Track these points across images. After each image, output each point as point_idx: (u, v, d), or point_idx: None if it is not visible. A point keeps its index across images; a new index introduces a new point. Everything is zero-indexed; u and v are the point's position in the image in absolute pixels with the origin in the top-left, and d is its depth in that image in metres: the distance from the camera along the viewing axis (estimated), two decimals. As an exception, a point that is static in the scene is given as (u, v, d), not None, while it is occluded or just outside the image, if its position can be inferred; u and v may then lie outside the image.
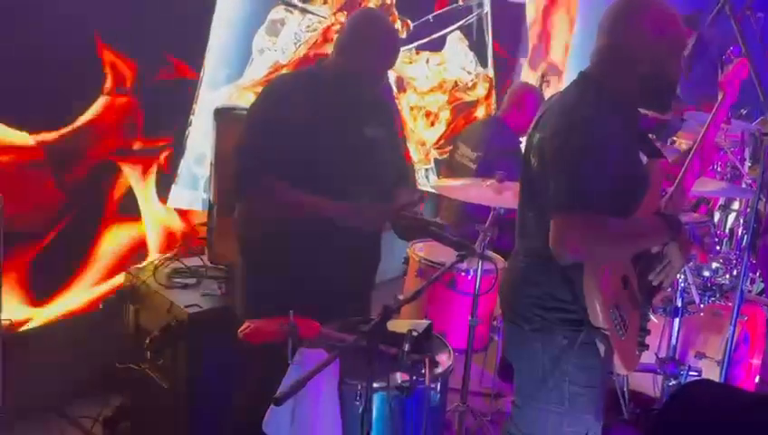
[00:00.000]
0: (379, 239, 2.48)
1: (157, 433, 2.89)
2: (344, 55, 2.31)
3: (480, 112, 4.87)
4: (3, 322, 2.11)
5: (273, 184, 2.23)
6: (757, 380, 3.31)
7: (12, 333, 2.29)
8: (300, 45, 3.59)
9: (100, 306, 2.92)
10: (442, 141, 4.78)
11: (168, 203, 3.27)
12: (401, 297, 1.93)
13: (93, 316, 3.03)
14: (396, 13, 4.06)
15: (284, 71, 2.84)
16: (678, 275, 2.85)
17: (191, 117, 3.27)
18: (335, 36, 2.42)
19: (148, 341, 2.56)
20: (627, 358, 1.90)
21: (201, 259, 2.98)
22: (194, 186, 3.33)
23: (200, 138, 3.31)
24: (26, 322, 2.92)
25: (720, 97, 2.24)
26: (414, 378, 1.92)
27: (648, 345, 2.05)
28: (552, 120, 1.90)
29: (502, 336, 3.22)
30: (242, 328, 1.90)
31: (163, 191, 3.29)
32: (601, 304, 1.80)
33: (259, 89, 3.03)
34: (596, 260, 1.81)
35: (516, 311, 2.07)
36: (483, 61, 4.85)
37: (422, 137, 4.66)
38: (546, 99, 2.14)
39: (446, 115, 4.75)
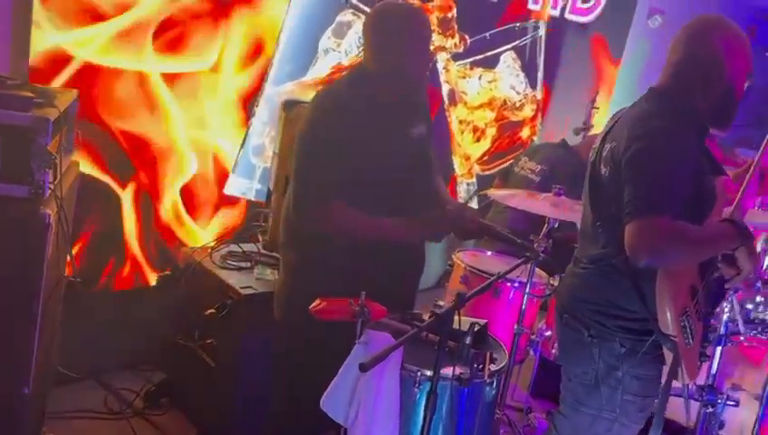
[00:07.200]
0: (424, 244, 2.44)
1: (198, 410, 2.94)
2: (390, 55, 2.15)
3: (525, 133, 4.92)
4: (76, 281, 2.15)
5: (342, 212, 2.12)
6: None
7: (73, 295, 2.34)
8: (362, 49, 3.66)
9: (155, 282, 2.99)
10: (486, 157, 4.84)
11: (225, 190, 3.34)
12: (442, 303, 2.01)
13: (146, 291, 3.10)
14: (455, 26, 4.14)
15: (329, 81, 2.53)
16: (727, 305, 2.87)
17: (255, 108, 3.35)
18: (367, 37, 2.24)
19: (206, 314, 2.61)
20: (690, 367, 1.92)
21: (257, 246, 3.05)
22: (250, 175, 3.40)
23: (259, 129, 3.39)
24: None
25: None
26: (474, 370, 1.96)
27: (708, 355, 2.07)
28: (626, 131, 1.94)
29: (539, 351, 3.25)
30: (313, 305, 1.94)
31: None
32: (673, 310, 1.82)
33: (319, 87, 3.10)
34: (672, 264, 1.84)
35: (575, 316, 2.10)
36: (533, 82, 4.92)
37: (467, 151, 4.72)
38: (614, 114, 2.18)
39: (492, 132, 4.80)
